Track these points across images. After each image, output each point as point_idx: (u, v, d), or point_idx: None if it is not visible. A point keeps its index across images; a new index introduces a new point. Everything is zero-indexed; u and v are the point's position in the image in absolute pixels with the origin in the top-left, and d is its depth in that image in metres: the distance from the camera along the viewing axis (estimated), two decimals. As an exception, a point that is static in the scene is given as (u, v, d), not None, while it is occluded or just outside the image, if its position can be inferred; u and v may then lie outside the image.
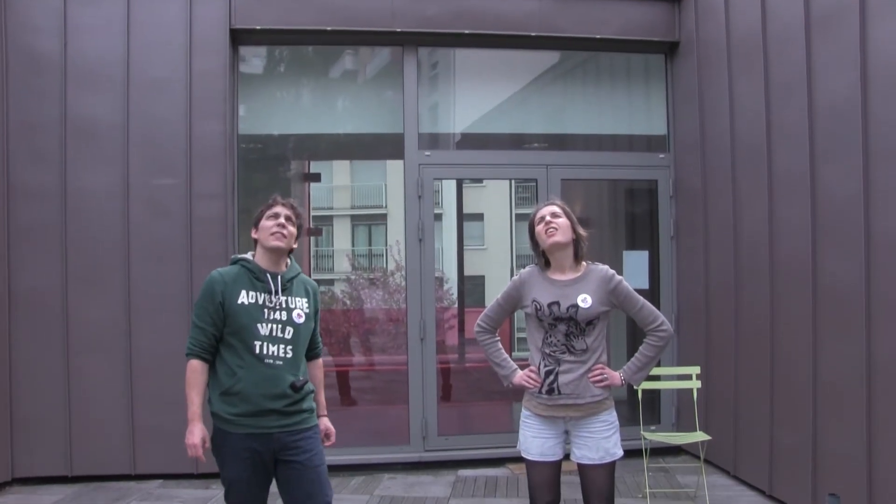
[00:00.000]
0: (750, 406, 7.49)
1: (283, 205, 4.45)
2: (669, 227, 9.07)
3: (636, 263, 9.14)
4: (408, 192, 8.75)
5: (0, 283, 7.75)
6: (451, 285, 11.33)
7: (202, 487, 7.75)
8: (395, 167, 9.17)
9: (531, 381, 4.59)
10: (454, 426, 9.12)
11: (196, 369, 4.31)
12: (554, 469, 4.60)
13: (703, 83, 8.40)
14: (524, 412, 4.69)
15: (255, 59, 9.20)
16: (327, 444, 4.53)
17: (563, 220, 4.56)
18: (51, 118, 7.95)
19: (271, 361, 4.25)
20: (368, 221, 16.28)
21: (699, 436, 7.27)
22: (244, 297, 4.29)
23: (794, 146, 6.74)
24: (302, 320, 4.39)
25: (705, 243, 8.33)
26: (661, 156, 9.15)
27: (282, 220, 4.39)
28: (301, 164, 10.13)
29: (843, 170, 6.12)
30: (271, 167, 9.77)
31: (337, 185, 15.21)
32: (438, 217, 11.08)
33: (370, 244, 16.34)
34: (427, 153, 8.76)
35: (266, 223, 4.40)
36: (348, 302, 11.16)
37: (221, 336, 4.31)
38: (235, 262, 4.47)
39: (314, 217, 9.88)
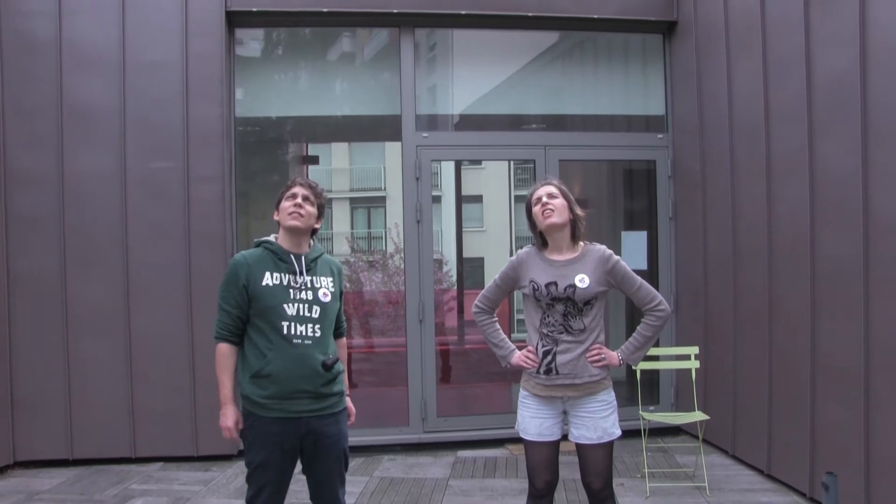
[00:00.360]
0: (748, 386, 7.50)
1: (302, 185, 4.46)
2: (668, 208, 9.06)
3: (635, 244, 9.14)
4: (405, 173, 8.74)
5: (-2, 267, 7.76)
6: (451, 267, 11.32)
7: (202, 470, 7.78)
8: (393, 149, 9.16)
9: (529, 362, 4.59)
10: (453, 407, 9.14)
11: (224, 352, 4.36)
12: (552, 449, 4.61)
13: (702, 63, 8.38)
14: (522, 392, 4.69)
15: (252, 42, 9.17)
16: (348, 423, 4.52)
17: (559, 201, 4.55)
18: (47, 102, 7.93)
19: (300, 342, 4.27)
20: (367, 204, 16.23)
21: (697, 416, 7.28)
22: (268, 279, 4.31)
23: (793, 125, 6.73)
24: (328, 299, 4.42)
25: (704, 223, 8.33)
26: (660, 136, 9.13)
27: (299, 199, 4.40)
28: (299, 146, 10.12)
29: (842, 149, 6.11)
30: (269, 150, 9.75)
31: (336, 167, 15.18)
32: (437, 199, 11.06)
33: (369, 227, 16.28)
34: (424, 134, 8.74)
35: (284, 204, 4.42)
36: (348, 284, 11.15)
37: (248, 318, 4.34)
38: (258, 244, 4.49)
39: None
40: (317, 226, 4.55)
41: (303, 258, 4.41)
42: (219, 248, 8.03)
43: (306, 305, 4.33)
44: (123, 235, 7.98)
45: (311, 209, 4.45)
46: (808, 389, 6.51)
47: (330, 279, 4.49)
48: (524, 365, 4.61)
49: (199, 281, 8.00)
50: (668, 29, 9.07)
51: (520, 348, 4.74)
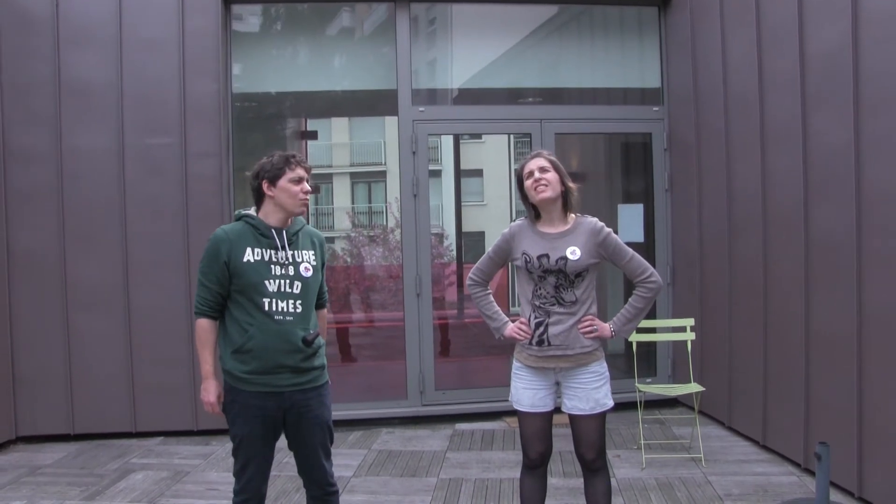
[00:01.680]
0: (744, 358, 7.54)
1: (305, 168, 4.39)
2: (664, 180, 9.07)
3: (631, 217, 9.16)
4: (402, 148, 8.75)
5: (-3, 244, 7.80)
6: (450, 241, 11.36)
7: (202, 444, 7.85)
8: (392, 124, 9.15)
9: (522, 333, 4.62)
10: (451, 381, 9.20)
11: (205, 328, 4.37)
12: (545, 420, 4.64)
13: (696, 35, 8.37)
14: (515, 364, 4.72)
15: (249, 18, 9.16)
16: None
17: (551, 175, 4.55)
18: (44, 78, 7.94)
19: (281, 318, 4.24)
20: (368, 178, 16.26)
21: (693, 387, 7.31)
22: (250, 255, 4.27)
23: (786, 97, 6.73)
24: (310, 273, 4.37)
25: (699, 196, 8.34)
26: (655, 109, 9.13)
27: (307, 186, 4.38)
28: (298, 121, 10.13)
29: (835, 120, 6.11)
30: (268, 125, 9.76)
31: (336, 142, 15.21)
32: (437, 173, 11.10)
33: (370, 201, 16.32)
34: (421, 109, 8.75)
35: (291, 187, 4.32)
36: (349, 259, 11.19)
37: (229, 293, 4.31)
38: (239, 217, 4.44)
39: (313, 175, 9.87)
40: None
41: (284, 232, 4.36)
42: (216, 223, 7.97)
43: (287, 281, 4.29)
44: (122, 211, 8.02)
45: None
46: (803, 361, 6.54)
47: (311, 252, 4.45)
48: (517, 336, 4.64)
49: (197, 256, 7.88)
50: (663, 1, 9.04)
51: (514, 321, 4.77)
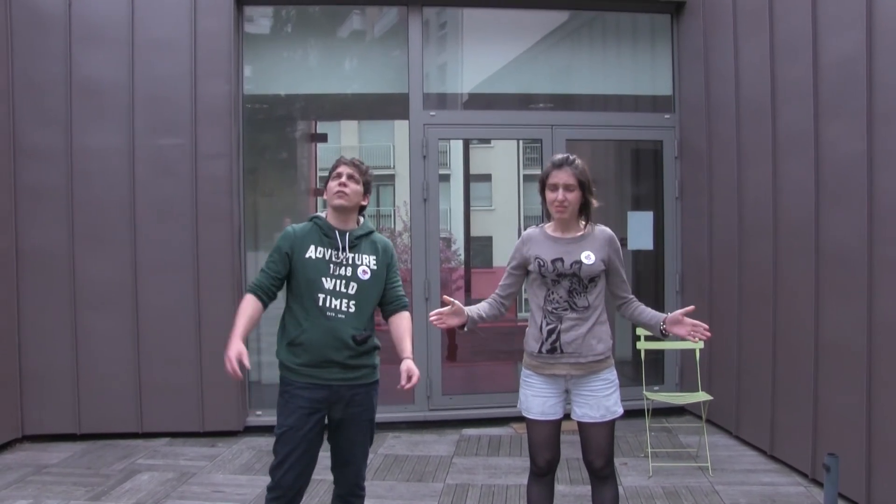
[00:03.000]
0: (752, 367, 7.52)
1: (346, 163, 4.61)
2: (674, 188, 9.05)
3: (641, 224, 9.14)
4: (412, 152, 8.75)
5: (7, 242, 7.79)
6: (459, 246, 11.34)
7: (208, 445, 7.85)
8: (402, 127, 9.15)
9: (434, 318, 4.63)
10: (458, 386, 9.18)
11: (249, 301, 4.49)
12: (554, 428, 4.63)
13: (709, 43, 8.36)
14: (524, 371, 4.71)
15: (261, 19, 9.17)
16: (408, 386, 4.52)
17: (574, 195, 4.50)
18: (56, 78, 7.96)
19: (333, 314, 4.42)
20: (376, 182, 16.03)
21: (701, 396, 7.30)
22: (312, 252, 4.49)
23: (799, 106, 6.72)
24: (367, 276, 4.53)
25: (710, 204, 8.32)
26: (667, 116, 9.11)
27: (343, 178, 4.55)
28: (308, 124, 10.12)
29: (848, 130, 6.09)
30: (278, 127, 9.76)
31: (345, 145, 15.18)
32: (446, 178, 11.07)
33: (378, 205, 16.26)
34: (432, 113, 8.75)
35: (330, 184, 4.58)
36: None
37: (290, 288, 4.54)
38: (311, 219, 4.66)
39: (322, 177, 9.86)
40: (364, 203, 4.69)
41: (347, 235, 4.55)
42: (226, 224, 8.06)
43: (344, 281, 4.47)
44: (131, 211, 8.02)
45: (357, 187, 4.59)
46: (812, 371, 6.52)
47: (373, 257, 4.59)
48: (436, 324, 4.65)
49: (207, 257, 8.04)
50: (676, 8, 9.04)
51: (522, 328, 4.76)
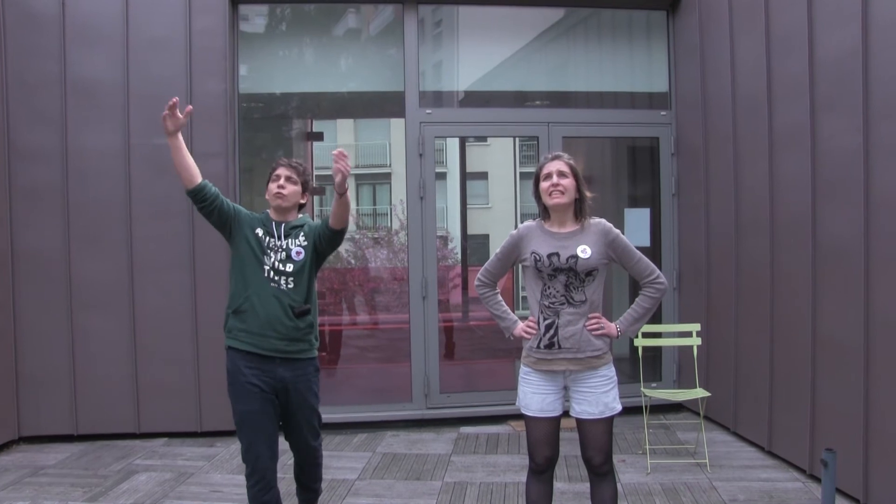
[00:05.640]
0: (749, 363, 7.52)
1: (284, 166, 4.99)
2: (671, 185, 9.06)
3: (638, 221, 9.14)
4: (409, 150, 8.75)
5: (2, 243, 7.78)
6: (455, 244, 11.34)
7: (206, 445, 7.84)
8: (398, 126, 9.15)
9: (530, 331, 4.61)
10: (456, 384, 9.17)
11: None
12: (553, 425, 4.63)
13: (705, 39, 8.35)
14: (523, 368, 4.70)
15: (256, 18, 9.15)
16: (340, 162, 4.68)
17: (568, 181, 4.55)
18: (50, 78, 7.94)
19: (275, 286, 4.81)
20: (372, 180, 16.24)
21: (699, 392, 7.30)
22: (259, 231, 4.89)
23: (795, 102, 6.72)
24: (300, 257, 4.89)
25: (706, 200, 8.33)
26: (663, 113, 9.11)
27: (281, 181, 4.94)
28: (303, 122, 10.12)
29: (844, 125, 6.09)
30: (274, 126, 9.76)
31: (341, 143, 15.16)
32: (442, 176, 11.06)
33: (374, 203, 16.28)
34: (428, 111, 8.74)
35: (270, 185, 4.97)
36: (353, 261, 11.16)
37: (233, 248, 4.94)
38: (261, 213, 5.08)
39: (318, 176, 9.87)
40: (303, 201, 5.10)
41: (283, 225, 4.94)
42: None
43: (280, 262, 4.84)
44: (127, 211, 8.01)
45: (294, 187, 4.98)
46: (809, 367, 6.52)
47: (302, 237, 4.94)
48: (525, 335, 4.64)
49: (203, 257, 8.03)
50: (671, 5, 9.03)
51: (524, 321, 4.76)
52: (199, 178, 4.91)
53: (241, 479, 6.75)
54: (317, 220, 5.10)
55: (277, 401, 4.88)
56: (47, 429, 7.97)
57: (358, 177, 15.95)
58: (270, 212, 5.01)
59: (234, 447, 7.74)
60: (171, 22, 8.10)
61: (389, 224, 11.56)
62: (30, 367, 7.91)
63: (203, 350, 7.97)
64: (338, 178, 4.63)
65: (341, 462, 7.29)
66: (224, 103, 8.16)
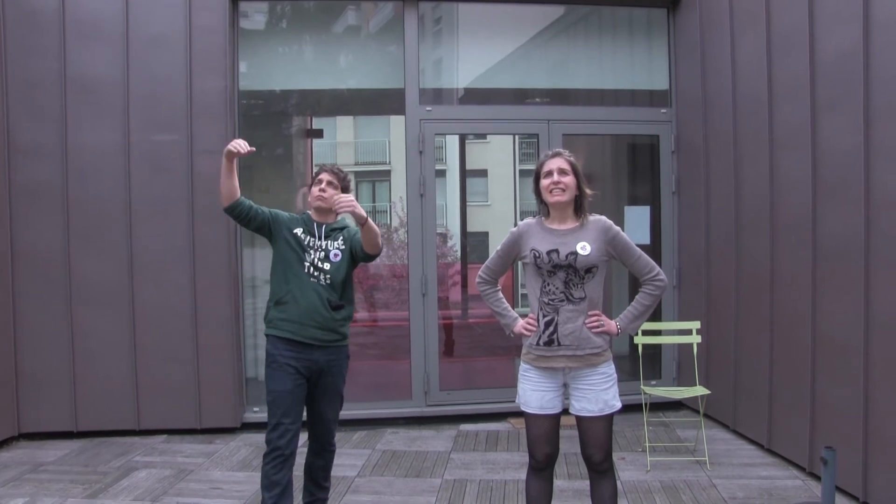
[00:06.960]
0: (749, 361, 7.52)
1: (326, 171, 5.37)
2: (671, 183, 9.05)
3: (638, 219, 9.13)
4: (409, 147, 8.74)
5: (2, 241, 7.78)
6: (455, 241, 11.34)
7: (205, 442, 7.84)
8: (397, 123, 9.14)
9: (531, 328, 4.61)
10: (456, 381, 9.17)
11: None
12: (553, 422, 4.63)
13: (706, 37, 8.35)
14: (523, 365, 4.70)
15: (256, 15, 9.14)
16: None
17: (569, 179, 4.55)
18: (50, 75, 7.93)
19: (315, 281, 5.14)
20: (372, 178, 16.27)
21: (699, 390, 7.30)
22: (298, 231, 5.23)
23: (796, 100, 6.71)
24: (338, 259, 5.24)
25: (706, 198, 8.32)
26: (663, 111, 9.11)
27: (323, 185, 5.30)
28: (303, 119, 10.12)
29: (845, 124, 6.09)
30: (274, 123, 9.75)
31: (341, 140, 15.18)
32: (442, 173, 11.06)
33: (374, 200, 16.30)
34: (428, 108, 8.73)
35: (312, 189, 5.36)
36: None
37: (271, 234, 5.28)
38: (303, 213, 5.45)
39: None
40: None
41: (323, 226, 5.28)
42: (222, 221, 8.02)
43: (320, 260, 5.18)
44: (127, 208, 8.00)
45: (334, 192, 5.26)
46: (809, 365, 6.52)
47: (341, 240, 5.28)
48: (525, 332, 4.64)
49: (203, 254, 8.03)
50: (672, 3, 9.02)
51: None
52: (237, 196, 5.23)
53: (241, 475, 6.83)
54: (356, 228, 5.35)
55: (307, 385, 5.19)
56: (47, 425, 7.97)
57: (357, 174, 15.96)
58: (311, 213, 5.35)
59: (233, 444, 7.74)
60: (171, 19, 8.09)
61: (389, 221, 11.58)
62: (30, 364, 7.91)
63: (202, 347, 7.98)
64: (353, 214, 4.97)
65: (341, 459, 7.24)
66: (224, 100, 8.14)
